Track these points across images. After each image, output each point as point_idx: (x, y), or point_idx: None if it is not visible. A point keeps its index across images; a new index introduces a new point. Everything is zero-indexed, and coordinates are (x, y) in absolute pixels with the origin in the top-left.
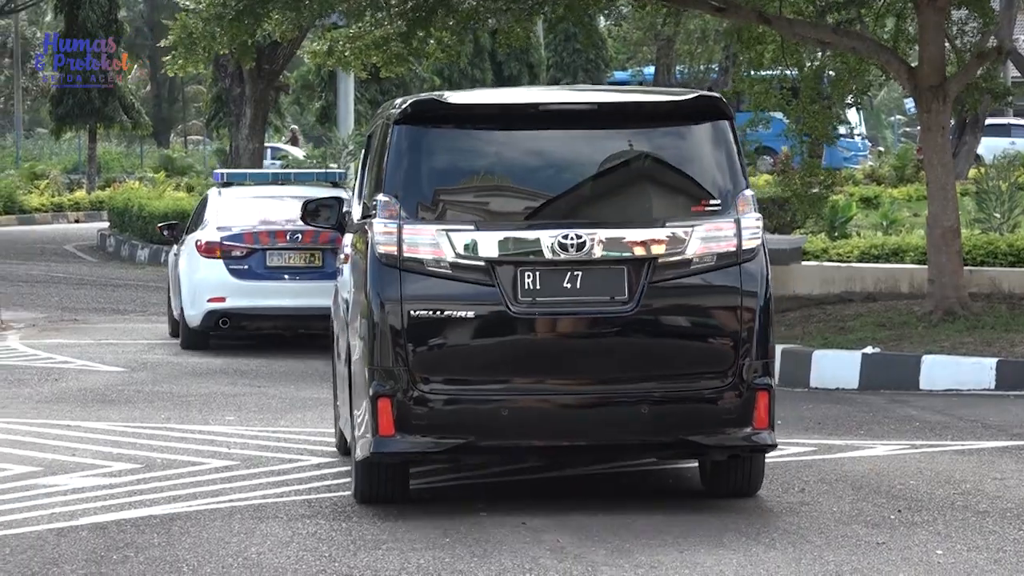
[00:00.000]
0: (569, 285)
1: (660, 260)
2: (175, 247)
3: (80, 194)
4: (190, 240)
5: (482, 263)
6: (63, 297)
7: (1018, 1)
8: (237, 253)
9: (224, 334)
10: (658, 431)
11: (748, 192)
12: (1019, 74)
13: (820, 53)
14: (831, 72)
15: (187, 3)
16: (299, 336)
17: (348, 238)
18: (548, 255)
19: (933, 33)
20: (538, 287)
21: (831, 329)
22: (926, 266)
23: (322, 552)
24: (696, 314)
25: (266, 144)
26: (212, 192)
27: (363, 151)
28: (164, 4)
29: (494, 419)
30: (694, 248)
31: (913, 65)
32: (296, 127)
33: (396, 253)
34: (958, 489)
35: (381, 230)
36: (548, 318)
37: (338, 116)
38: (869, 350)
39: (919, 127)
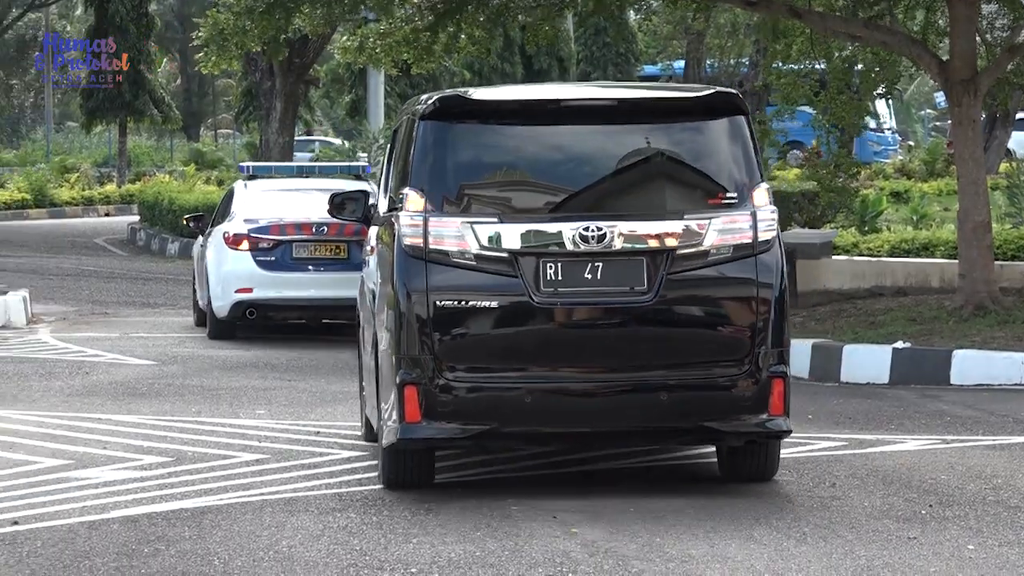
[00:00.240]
0: (590, 276)
1: (678, 251)
2: (201, 238)
3: (110, 187)
4: (217, 232)
5: (505, 255)
6: (93, 291)
7: None
8: (264, 245)
9: (249, 324)
10: (676, 417)
11: (764, 185)
12: None
13: (850, 46)
14: (860, 66)
15: None
16: (327, 328)
17: (374, 230)
18: (569, 247)
19: (964, 27)
20: (560, 278)
21: (862, 324)
22: (957, 261)
23: (353, 545)
24: (713, 304)
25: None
26: (238, 185)
27: (388, 146)
28: None
29: (517, 406)
30: (711, 240)
31: (944, 59)
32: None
33: (422, 245)
34: (989, 484)
35: (408, 223)
36: (569, 308)
37: (368, 110)
38: (900, 345)
39: (950, 121)
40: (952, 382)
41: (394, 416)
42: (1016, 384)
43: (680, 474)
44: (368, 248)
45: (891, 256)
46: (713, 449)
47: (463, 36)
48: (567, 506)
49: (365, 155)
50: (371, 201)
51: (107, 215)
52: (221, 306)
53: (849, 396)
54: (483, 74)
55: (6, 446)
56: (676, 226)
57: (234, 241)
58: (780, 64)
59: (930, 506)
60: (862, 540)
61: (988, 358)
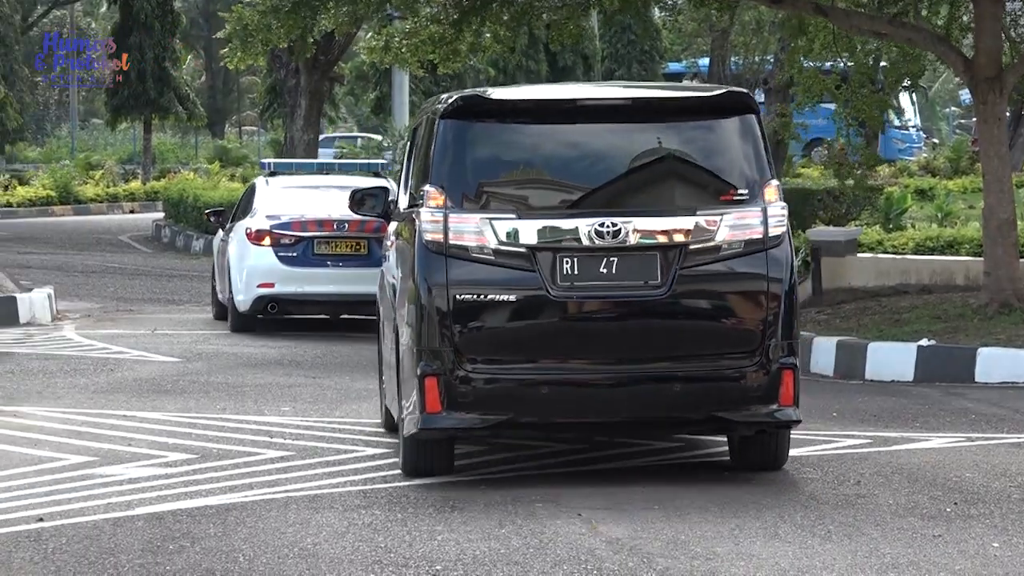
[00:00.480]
0: (605, 270)
1: (691, 247)
2: (221, 233)
3: (135, 184)
4: (239, 227)
5: (523, 250)
6: (118, 287)
7: None
8: (286, 241)
9: (270, 318)
10: (689, 408)
11: (774, 182)
12: None
13: (874, 42)
14: (885, 62)
15: None
16: (350, 324)
17: (393, 226)
18: (585, 242)
19: (989, 24)
20: (576, 272)
21: (886, 321)
22: (981, 258)
23: (378, 543)
24: (725, 297)
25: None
26: (259, 181)
27: (408, 143)
28: None
29: (534, 396)
30: (723, 235)
31: (969, 56)
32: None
33: (442, 240)
34: (1014, 482)
35: (428, 219)
36: (585, 301)
37: (393, 107)
38: (924, 342)
39: (974, 118)
40: (977, 380)
41: (415, 407)
42: None
43: (703, 471)
44: (388, 244)
45: (916, 254)
46: (715, 432)
47: (488, 35)
48: (591, 503)
49: (390, 153)
50: (390, 197)
51: (132, 212)
52: (243, 300)
53: (874, 394)
54: (508, 71)
55: (31, 443)
56: (689, 222)
57: (256, 237)
58: (803, 59)
59: (955, 504)
60: (887, 538)
61: (1013, 356)
